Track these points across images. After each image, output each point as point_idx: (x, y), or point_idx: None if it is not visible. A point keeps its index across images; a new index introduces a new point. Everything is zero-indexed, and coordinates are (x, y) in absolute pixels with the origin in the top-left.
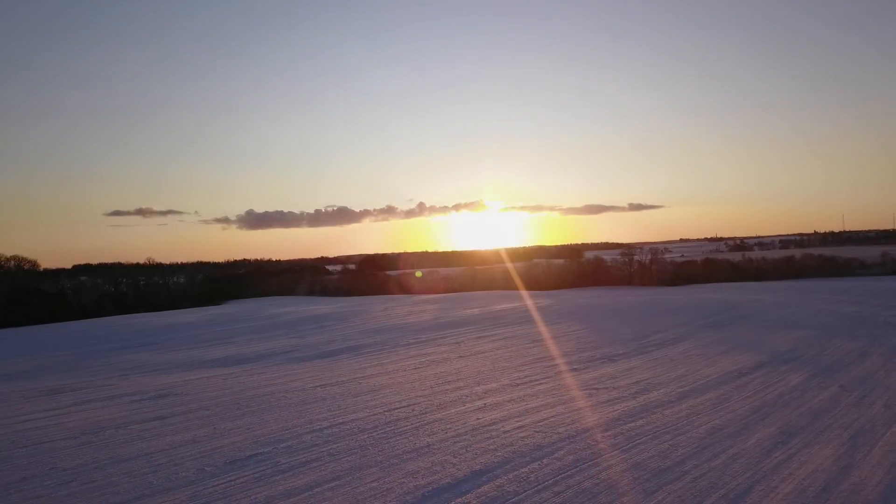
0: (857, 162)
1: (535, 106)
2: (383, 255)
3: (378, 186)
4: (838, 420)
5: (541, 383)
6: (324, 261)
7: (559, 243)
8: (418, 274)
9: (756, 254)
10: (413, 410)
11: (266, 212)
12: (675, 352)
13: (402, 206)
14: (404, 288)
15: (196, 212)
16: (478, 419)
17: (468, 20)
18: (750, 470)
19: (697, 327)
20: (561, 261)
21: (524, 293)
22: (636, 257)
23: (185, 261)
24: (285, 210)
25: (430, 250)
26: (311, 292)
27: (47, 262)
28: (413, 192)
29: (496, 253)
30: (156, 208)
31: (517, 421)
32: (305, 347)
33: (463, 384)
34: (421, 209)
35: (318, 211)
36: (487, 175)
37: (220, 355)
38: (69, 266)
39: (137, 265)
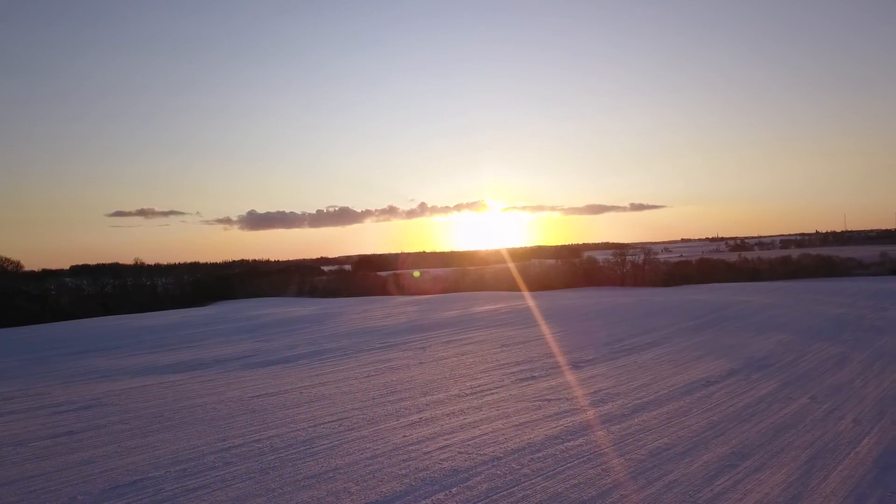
0: (860, 162)
1: (537, 106)
2: (380, 256)
3: (379, 187)
4: (800, 438)
5: (491, 394)
6: (323, 261)
7: (560, 243)
8: (416, 274)
9: (752, 254)
10: (340, 426)
11: (268, 212)
12: (646, 357)
13: (404, 206)
14: (394, 289)
15: (198, 212)
16: (403, 437)
17: (469, 20)
18: (684, 502)
19: (678, 330)
20: (552, 261)
21: (514, 294)
22: (629, 258)
23: (186, 261)
24: (287, 210)
25: (427, 250)
26: (300, 293)
27: (48, 263)
28: (414, 193)
29: (494, 253)
30: (157, 209)
31: (445, 439)
32: (266, 352)
33: (408, 395)
34: (422, 209)
35: (319, 211)
36: (489, 175)
37: (176, 360)
38: (67, 267)
39: (130, 266)
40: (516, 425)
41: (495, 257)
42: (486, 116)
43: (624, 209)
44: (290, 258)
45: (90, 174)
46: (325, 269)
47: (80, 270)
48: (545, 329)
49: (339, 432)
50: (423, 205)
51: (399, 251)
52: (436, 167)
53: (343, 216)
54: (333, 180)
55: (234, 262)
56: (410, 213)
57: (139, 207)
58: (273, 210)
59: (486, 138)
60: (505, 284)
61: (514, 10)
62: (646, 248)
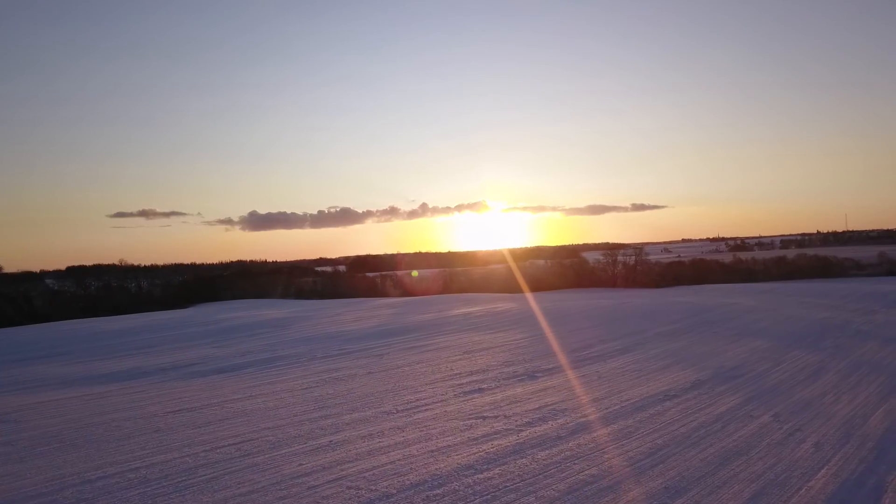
0: (862, 161)
1: (538, 106)
2: (374, 257)
3: (381, 187)
4: (749, 467)
5: (425, 410)
6: (322, 262)
7: (561, 244)
8: (414, 273)
9: (747, 254)
10: (238, 450)
11: (269, 213)
12: (610, 366)
13: (405, 206)
14: (382, 290)
15: (199, 213)
16: (299, 465)
17: (470, 20)
18: None
19: (654, 336)
20: (541, 262)
21: (500, 296)
22: (620, 258)
23: (185, 262)
24: (288, 211)
25: (423, 251)
26: (286, 295)
27: (49, 264)
28: (416, 193)
29: (490, 254)
30: (159, 210)
31: (342, 469)
32: (216, 359)
33: (335, 411)
34: (423, 210)
35: (320, 212)
36: (490, 175)
37: (119, 368)
38: (63, 268)
39: (120, 266)
40: (431, 451)
41: (491, 258)
42: (488, 117)
43: (625, 209)
44: (291, 259)
45: (91, 175)
46: (320, 270)
47: (66, 273)
48: (516, 334)
49: (231, 458)
50: (424, 205)
51: (396, 252)
52: (437, 168)
53: (344, 217)
54: (335, 181)
55: (229, 262)
56: (412, 214)
57: (141, 208)
58: (274, 211)
59: (487, 139)
60: (495, 286)
61: (515, 10)
62: (638, 249)
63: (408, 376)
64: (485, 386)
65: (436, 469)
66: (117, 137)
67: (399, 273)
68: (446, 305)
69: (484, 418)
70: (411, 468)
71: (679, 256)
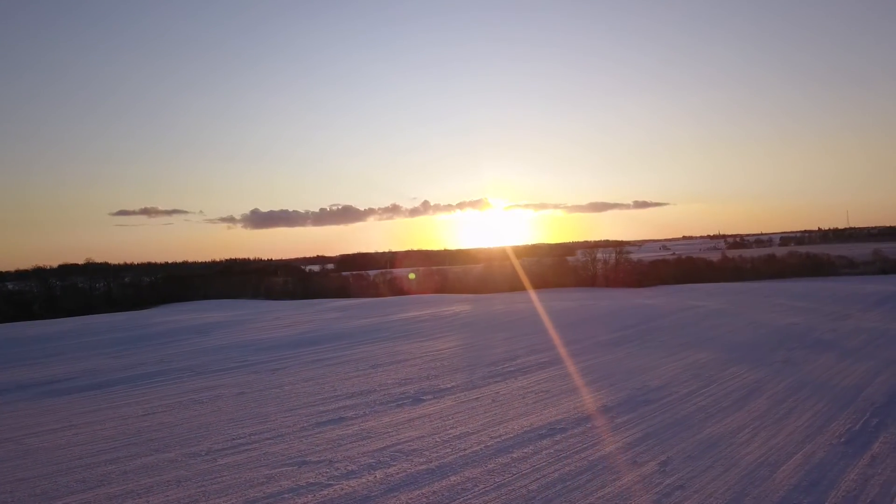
0: (864, 159)
1: (540, 104)
2: (364, 255)
3: (383, 185)
4: None
5: (242, 451)
6: (320, 260)
7: (561, 241)
8: (412, 276)
9: (735, 252)
10: None
11: (271, 211)
12: (515, 386)
13: (407, 204)
14: (352, 291)
15: (201, 211)
16: None
17: (472, 19)
18: None
19: (591, 345)
20: (527, 260)
21: (461, 297)
22: (599, 257)
23: (179, 260)
24: (290, 209)
25: (414, 249)
26: (257, 295)
27: (52, 263)
28: (417, 191)
29: (484, 251)
30: (161, 208)
31: None
32: (96, 373)
33: (139, 451)
34: (425, 207)
35: (322, 210)
36: (492, 173)
37: None
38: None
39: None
40: None
41: (485, 256)
42: (489, 115)
43: (627, 207)
44: (291, 257)
45: (94, 174)
46: (307, 269)
47: (31, 273)
48: (447, 343)
49: None
50: (426, 203)
51: (386, 250)
52: (439, 165)
53: (346, 214)
54: (337, 179)
55: (221, 261)
56: (413, 212)
57: (143, 206)
58: (276, 209)
59: (489, 136)
60: (470, 286)
61: (516, 8)
62: (619, 248)
63: (276, 399)
64: (351, 414)
65: None
66: (119, 136)
67: (388, 272)
68: (398, 308)
69: (303, 464)
70: None
71: (673, 254)
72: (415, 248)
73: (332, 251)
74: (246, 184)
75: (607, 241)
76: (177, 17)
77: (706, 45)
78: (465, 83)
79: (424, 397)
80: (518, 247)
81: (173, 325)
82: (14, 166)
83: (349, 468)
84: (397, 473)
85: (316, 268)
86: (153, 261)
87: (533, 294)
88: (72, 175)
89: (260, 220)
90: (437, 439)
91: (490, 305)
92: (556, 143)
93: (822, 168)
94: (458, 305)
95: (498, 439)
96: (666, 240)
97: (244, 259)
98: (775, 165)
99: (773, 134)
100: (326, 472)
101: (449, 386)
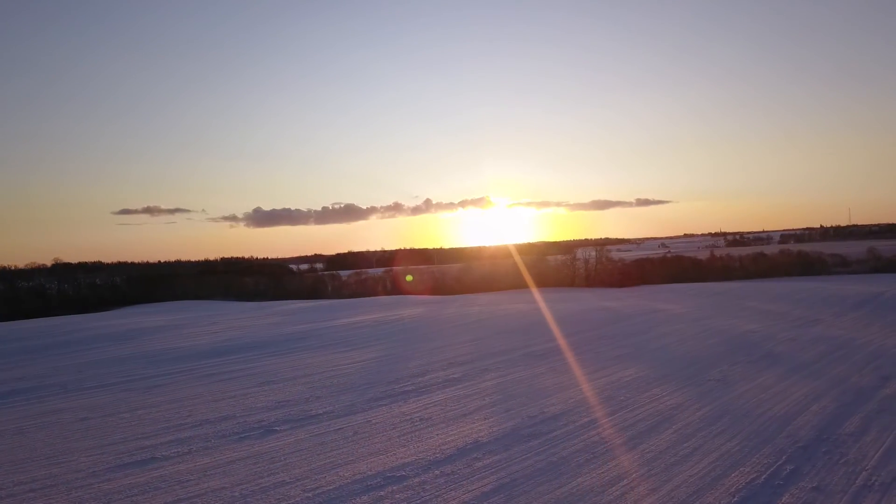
0: (866, 156)
1: (542, 102)
2: (355, 254)
3: (385, 183)
4: None
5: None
6: (317, 258)
7: (564, 239)
8: (409, 278)
9: (734, 250)
10: None
11: (273, 209)
12: (395, 413)
13: (409, 202)
14: (323, 292)
15: (203, 210)
16: None
17: (474, 17)
18: None
19: (519, 357)
20: (511, 260)
21: (418, 299)
22: (579, 257)
23: (193, 259)
24: (293, 208)
25: (406, 247)
26: (227, 296)
27: (46, 263)
28: (420, 189)
29: (482, 250)
30: (163, 207)
31: None
32: None
33: None
34: (427, 206)
35: (325, 208)
36: (494, 171)
37: None
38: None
39: (58, 265)
40: None
41: (475, 255)
42: (491, 113)
43: (630, 204)
44: (291, 255)
45: (96, 172)
46: (294, 268)
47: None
48: (368, 353)
49: None
50: (428, 201)
51: (379, 248)
52: (441, 164)
53: (349, 213)
54: (339, 177)
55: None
56: (416, 210)
57: (145, 205)
58: (279, 207)
59: (491, 134)
60: (447, 287)
61: (518, 7)
62: (599, 248)
63: (108, 429)
64: (172, 452)
65: None
66: (122, 135)
67: (363, 272)
68: (352, 311)
69: None
70: None
71: (669, 252)
72: (407, 247)
73: (334, 250)
74: (248, 182)
75: (608, 238)
76: (179, 15)
77: (709, 42)
78: (467, 81)
79: (280, 428)
80: (519, 245)
81: (100, 331)
82: (16, 165)
83: None
84: None
85: (305, 267)
86: (151, 260)
87: (503, 295)
88: (74, 174)
89: (262, 218)
90: (240, 492)
91: (443, 309)
92: (559, 141)
93: (824, 165)
94: (410, 309)
95: (311, 493)
96: (667, 237)
97: (242, 258)
98: (778, 163)
99: (776, 131)
100: None
101: (321, 412)
